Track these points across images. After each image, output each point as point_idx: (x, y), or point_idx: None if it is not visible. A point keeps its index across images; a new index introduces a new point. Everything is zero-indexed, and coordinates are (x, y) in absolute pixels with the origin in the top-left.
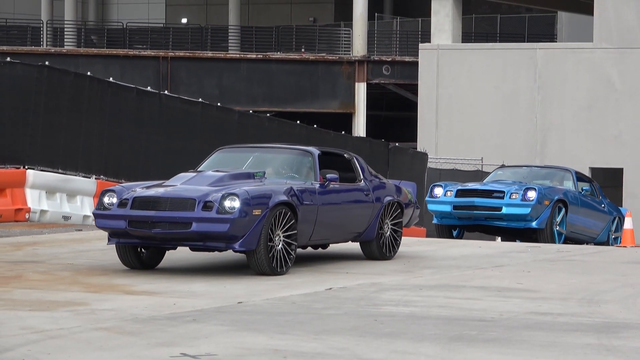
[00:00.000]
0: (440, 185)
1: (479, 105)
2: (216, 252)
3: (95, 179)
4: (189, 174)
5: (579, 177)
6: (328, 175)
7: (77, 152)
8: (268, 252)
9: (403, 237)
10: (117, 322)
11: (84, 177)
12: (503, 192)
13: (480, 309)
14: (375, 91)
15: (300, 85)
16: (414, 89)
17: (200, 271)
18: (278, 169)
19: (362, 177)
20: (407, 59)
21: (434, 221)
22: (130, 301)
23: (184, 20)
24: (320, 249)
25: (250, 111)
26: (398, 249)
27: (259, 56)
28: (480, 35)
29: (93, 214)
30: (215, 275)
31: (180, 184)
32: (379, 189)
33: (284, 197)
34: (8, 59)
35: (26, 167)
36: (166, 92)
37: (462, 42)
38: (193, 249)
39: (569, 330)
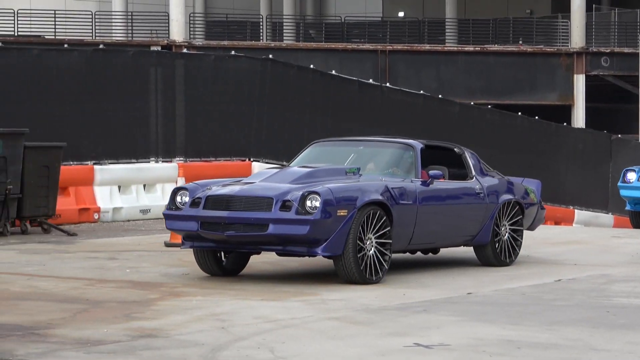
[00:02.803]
0: (634, 170)
1: None
2: None
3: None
4: (272, 170)
5: None
6: (431, 172)
7: (301, 145)
8: (357, 257)
9: (629, 230)
10: (348, 312)
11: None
12: None
13: None
14: (594, 83)
15: (518, 77)
16: (634, 80)
17: (428, 262)
18: (375, 164)
19: (473, 173)
20: (626, 50)
21: (627, 207)
22: (359, 291)
23: (401, 14)
24: (430, 254)
25: (472, 103)
26: (518, 253)
27: (476, 49)
28: None
29: (163, 214)
30: (442, 267)
31: (260, 181)
32: (494, 188)
33: (375, 196)
34: (232, 52)
35: (251, 159)
36: (387, 84)
37: None
38: (278, 253)
39: None
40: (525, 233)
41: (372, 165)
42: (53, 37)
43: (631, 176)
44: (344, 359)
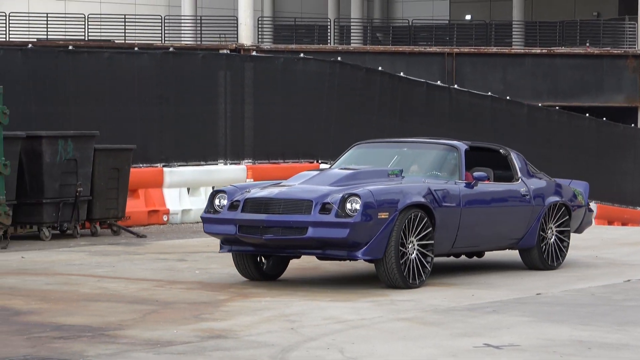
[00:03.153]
0: None
1: None
2: None
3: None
4: (313, 172)
5: None
6: (475, 174)
7: None
8: (400, 261)
9: None
10: (417, 313)
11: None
12: None
13: None
14: None
15: (585, 79)
16: None
17: (496, 264)
18: (419, 166)
19: (519, 175)
20: None
21: None
22: (428, 292)
23: (468, 17)
24: (475, 257)
25: (539, 105)
26: (565, 257)
27: (543, 51)
28: None
29: (201, 217)
30: (509, 268)
31: (299, 184)
32: (540, 190)
33: (417, 199)
34: (301, 55)
35: (319, 161)
36: (455, 86)
37: None
38: (318, 257)
39: None
40: (593, 234)
41: (416, 166)
42: (123, 41)
43: None
44: None
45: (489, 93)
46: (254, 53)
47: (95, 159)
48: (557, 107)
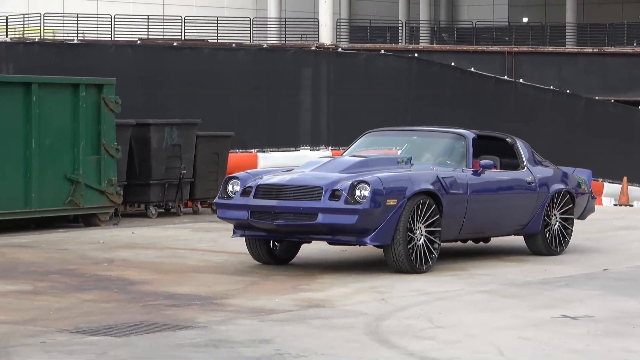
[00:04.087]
0: None
1: None
2: None
3: None
4: (323, 159)
5: None
6: (482, 162)
7: None
8: (408, 247)
9: None
10: (495, 286)
11: None
12: None
13: None
14: None
15: (633, 76)
16: None
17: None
18: (428, 154)
19: (525, 163)
20: None
21: None
22: (503, 267)
23: (525, 19)
24: (481, 242)
25: (596, 98)
26: (568, 242)
27: (594, 50)
28: None
29: (215, 202)
30: (579, 247)
31: (310, 170)
32: (545, 177)
33: (425, 186)
34: (382, 51)
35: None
36: (521, 80)
37: None
38: (329, 242)
39: None
40: None
41: (425, 154)
42: (215, 40)
43: None
44: (498, 329)
45: (551, 87)
46: (339, 50)
47: (197, 144)
48: (612, 100)
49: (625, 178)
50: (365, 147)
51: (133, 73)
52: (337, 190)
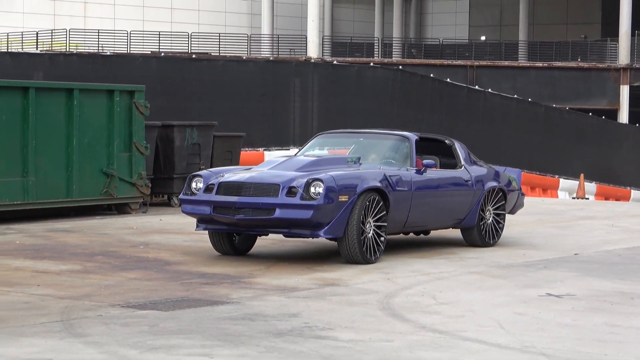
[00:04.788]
0: None
1: None
2: None
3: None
4: (280, 159)
5: None
6: (425, 161)
7: None
8: (361, 239)
9: None
10: (484, 268)
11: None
12: None
13: None
14: (637, 92)
15: (577, 87)
16: None
17: (538, 230)
18: (374, 154)
19: (462, 163)
20: None
21: None
22: (487, 251)
23: (483, 38)
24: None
25: (554, 105)
26: (500, 235)
27: (544, 65)
28: None
29: (179, 199)
30: (549, 234)
31: (268, 169)
32: (480, 176)
33: (374, 183)
34: (371, 64)
35: None
36: (489, 90)
37: None
38: (284, 235)
39: None
40: (606, 207)
41: (372, 155)
42: (217, 54)
43: None
44: (494, 306)
45: (515, 96)
46: (334, 62)
47: (214, 143)
48: (567, 108)
49: (582, 175)
50: (317, 147)
51: (157, 81)
52: (294, 187)
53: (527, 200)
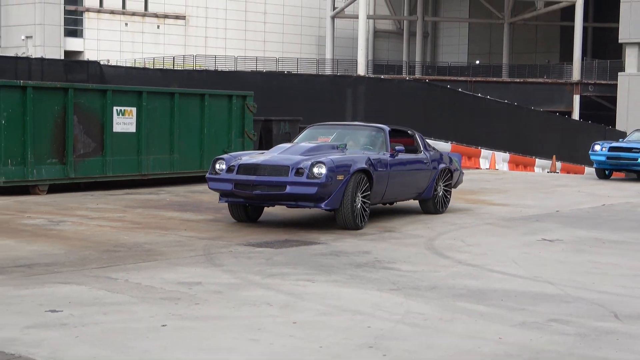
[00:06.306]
0: (599, 144)
1: None
2: None
3: (451, 143)
4: (286, 145)
5: None
6: (396, 147)
7: (440, 135)
8: (354, 210)
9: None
10: (494, 220)
11: (444, 142)
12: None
13: None
14: (586, 100)
15: (544, 96)
16: (610, 99)
17: (528, 195)
18: (356, 142)
19: (421, 149)
20: (603, 81)
21: (594, 166)
22: (494, 209)
23: (477, 61)
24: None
25: (532, 108)
26: (448, 205)
27: (520, 80)
28: None
29: (206, 177)
30: (537, 197)
31: (278, 154)
32: (435, 159)
33: (362, 165)
34: (407, 78)
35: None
36: (488, 96)
37: None
38: (290, 206)
39: None
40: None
41: (353, 142)
42: (297, 72)
43: (597, 147)
44: (507, 247)
45: (505, 100)
46: (381, 77)
47: (299, 133)
48: (541, 110)
49: (554, 156)
50: (310, 136)
51: (261, 89)
52: (301, 168)
53: (516, 173)
